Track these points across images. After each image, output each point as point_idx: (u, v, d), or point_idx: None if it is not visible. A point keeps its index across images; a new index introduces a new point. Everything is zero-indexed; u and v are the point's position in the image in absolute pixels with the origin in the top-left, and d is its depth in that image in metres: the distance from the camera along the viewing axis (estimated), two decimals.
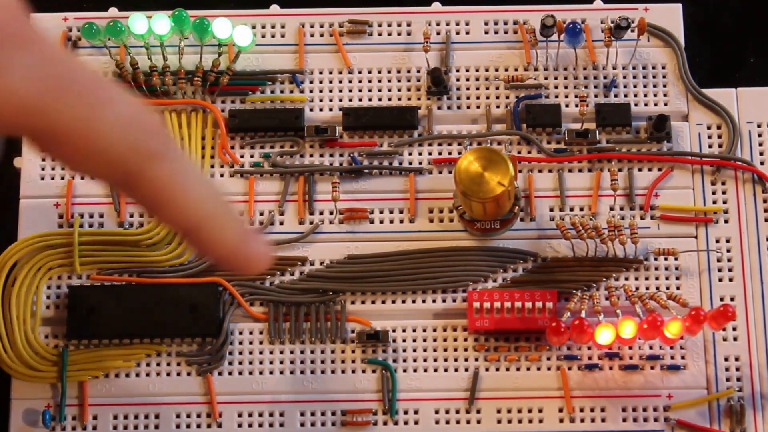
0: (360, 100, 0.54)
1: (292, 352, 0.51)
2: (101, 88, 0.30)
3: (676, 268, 0.52)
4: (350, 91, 0.54)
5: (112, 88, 0.30)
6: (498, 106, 0.54)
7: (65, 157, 0.30)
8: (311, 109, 0.54)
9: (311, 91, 0.54)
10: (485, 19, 0.55)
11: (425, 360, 0.51)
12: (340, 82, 0.55)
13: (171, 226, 0.37)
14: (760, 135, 0.53)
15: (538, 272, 0.52)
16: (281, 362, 0.51)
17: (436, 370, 0.51)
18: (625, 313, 0.50)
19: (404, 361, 0.51)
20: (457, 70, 0.54)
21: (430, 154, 0.53)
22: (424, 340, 0.51)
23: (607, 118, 0.53)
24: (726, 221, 0.52)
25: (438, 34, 0.55)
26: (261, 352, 0.51)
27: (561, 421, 0.50)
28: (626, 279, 0.51)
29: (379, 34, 0.55)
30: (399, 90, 0.54)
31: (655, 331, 0.48)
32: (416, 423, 0.50)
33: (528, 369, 0.51)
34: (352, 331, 0.51)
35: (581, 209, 0.53)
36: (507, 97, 0.54)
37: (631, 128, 0.53)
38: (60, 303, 0.51)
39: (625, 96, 0.54)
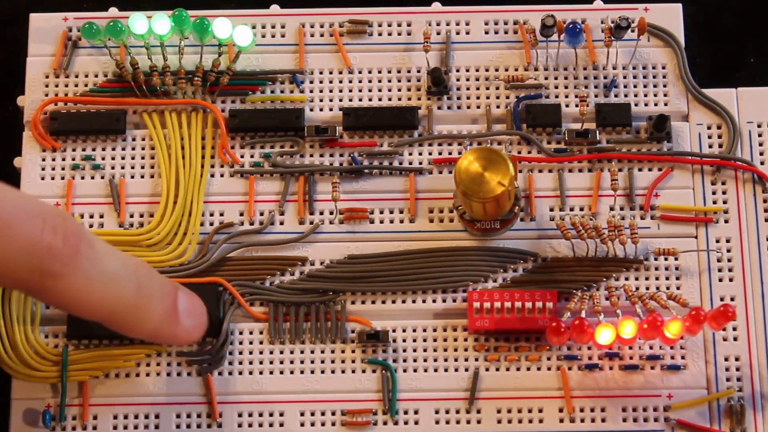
0: (360, 100, 0.54)
1: (292, 352, 0.51)
2: None
3: (676, 268, 0.52)
4: (350, 91, 0.54)
5: (11, 211, 0.31)
6: (498, 106, 0.54)
7: None
8: (311, 109, 0.54)
9: (311, 91, 0.54)
10: (485, 19, 0.55)
11: (425, 360, 0.51)
12: (340, 82, 0.55)
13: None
14: (760, 135, 0.53)
15: (538, 272, 0.52)
16: (281, 362, 0.51)
17: (436, 370, 0.51)
18: (625, 313, 0.50)
19: (404, 361, 0.51)
20: (457, 70, 0.54)
21: (430, 154, 0.53)
22: (424, 340, 0.51)
23: (607, 118, 0.53)
24: (726, 221, 0.52)
25: (438, 34, 0.55)
26: (261, 352, 0.51)
27: (561, 421, 0.50)
28: (626, 279, 0.51)
29: (380, 34, 0.55)
30: (399, 90, 0.54)
31: (655, 331, 0.48)
32: (416, 423, 0.50)
33: (528, 369, 0.51)
34: (352, 331, 0.51)
35: (581, 209, 0.53)
36: (507, 97, 0.54)
37: (631, 128, 0.53)
38: None
39: (625, 96, 0.54)
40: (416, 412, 0.50)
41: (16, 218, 0.31)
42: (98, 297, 0.34)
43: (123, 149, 0.54)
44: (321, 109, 0.54)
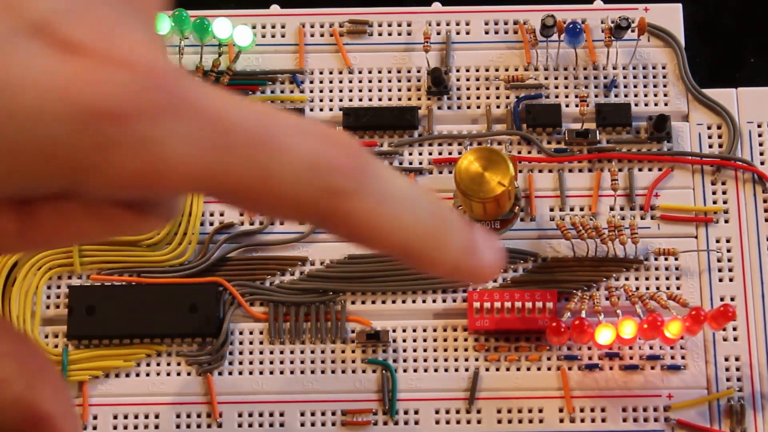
0: (360, 100, 0.54)
1: (292, 352, 0.51)
2: (273, 135, 0.28)
3: (677, 268, 0.51)
4: (350, 91, 0.54)
5: (287, 130, 0.28)
6: (498, 106, 0.54)
7: (248, 209, 0.29)
8: (311, 109, 0.54)
9: (311, 91, 0.54)
10: (485, 19, 0.55)
11: (425, 360, 0.51)
12: (340, 82, 0.55)
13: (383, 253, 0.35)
14: (760, 135, 0.53)
15: (538, 272, 0.52)
16: (281, 362, 0.51)
17: (436, 370, 0.51)
18: (626, 313, 0.50)
19: (404, 361, 0.51)
20: (458, 70, 0.54)
21: (430, 154, 0.53)
22: (425, 340, 0.51)
23: (608, 118, 0.53)
24: (726, 221, 0.52)
25: (438, 34, 0.55)
26: (261, 352, 0.51)
27: (561, 421, 0.50)
28: (626, 279, 0.51)
29: (380, 34, 0.55)
30: (399, 90, 0.54)
31: (655, 331, 0.48)
32: (416, 423, 0.50)
33: (528, 369, 0.51)
34: (352, 331, 0.51)
35: (581, 209, 0.53)
36: (507, 97, 0.54)
37: (631, 128, 0.53)
38: (60, 303, 0.51)
39: (626, 96, 0.54)
40: (416, 412, 0.50)
41: (296, 136, 0.28)
42: (394, 219, 0.30)
43: None
44: (321, 109, 0.54)
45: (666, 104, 0.54)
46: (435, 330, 0.51)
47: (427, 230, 0.31)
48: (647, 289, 0.51)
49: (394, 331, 0.51)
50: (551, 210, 0.53)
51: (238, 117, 0.27)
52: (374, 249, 0.31)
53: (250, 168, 0.27)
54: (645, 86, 0.54)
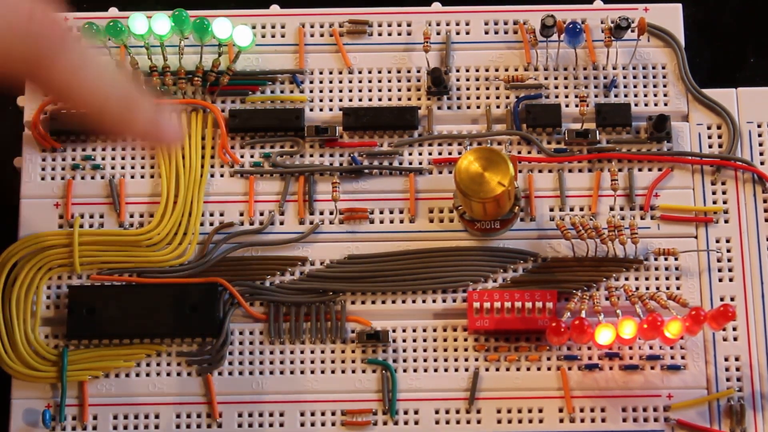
0: (360, 100, 0.54)
1: (292, 352, 0.51)
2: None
3: (676, 268, 0.52)
4: (350, 91, 0.54)
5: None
6: (498, 106, 0.54)
7: None
8: (311, 109, 0.54)
9: (311, 91, 0.54)
10: (485, 19, 0.55)
11: (425, 360, 0.51)
12: (340, 82, 0.55)
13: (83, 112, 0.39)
14: (760, 135, 0.53)
15: (538, 272, 0.52)
16: (281, 362, 0.51)
17: (436, 370, 0.51)
18: (625, 313, 0.50)
19: (404, 361, 0.51)
20: (457, 70, 0.54)
21: (430, 154, 0.53)
22: (424, 340, 0.51)
23: (607, 118, 0.53)
24: (726, 221, 0.52)
25: (438, 34, 0.55)
26: (261, 352, 0.51)
27: (561, 421, 0.50)
28: (626, 279, 0.51)
29: (379, 34, 0.55)
30: (399, 90, 0.54)
31: (655, 331, 0.48)
32: (416, 423, 0.50)
33: (528, 369, 0.51)
34: (352, 331, 0.51)
35: (581, 209, 0.53)
36: (507, 97, 0.54)
37: (631, 128, 0.53)
38: (60, 303, 0.52)
39: (625, 96, 0.54)
40: (416, 412, 0.50)
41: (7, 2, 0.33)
42: (92, 79, 0.35)
43: (123, 149, 0.54)
44: (321, 109, 0.54)
45: (666, 104, 0.54)
46: (435, 330, 0.51)
47: (122, 92, 0.36)
48: (647, 289, 0.51)
49: (394, 331, 0.51)
50: (551, 210, 0.53)
51: None
52: (73, 107, 0.38)
53: None
54: (645, 86, 0.54)
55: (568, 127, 0.53)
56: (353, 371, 0.51)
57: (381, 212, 0.53)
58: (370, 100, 0.54)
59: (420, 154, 0.53)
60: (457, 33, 0.55)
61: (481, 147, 0.49)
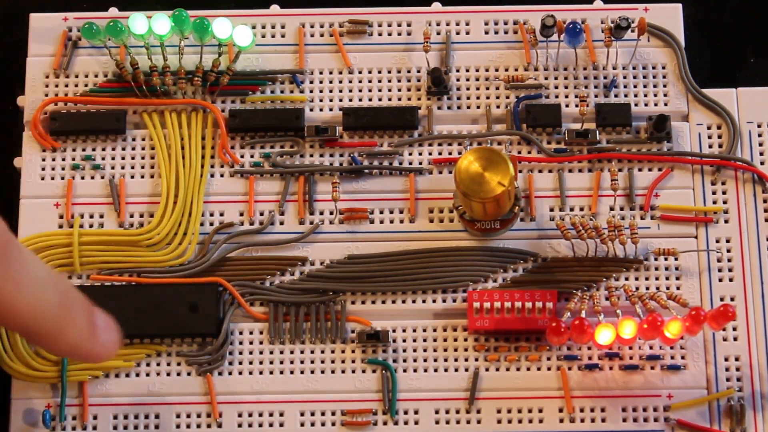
0: (360, 100, 0.54)
1: (292, 352, 0.51)
2: None
3: (676, 268, 0.52)
4: (350, 91, 0.54)
5: None
6: (498, 106, 0.54)
7: None
8: (311, 109, 0.54)
9: (311, 91, 0.54)
10: (485, 19, 0.55)
11: (425, 360, 0.51)
12: (340, 82, 0.55)
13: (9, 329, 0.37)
14: (760, 135, 0.53)
15: (538, 272, 0.52)
16: (281, 362, 0.51)
17: (436, 370, 0.51)
18: (625, 313, 0.50)
19: (404, 361, 0.51)
20: (457, 70, 0.54)
21: (430, 154, 0.53)
22: (424, 340, 0.51)
23: (608, 118, 0.53)
24: (726, 221, 0.52)
25: (438, 34, 0.55)
26: (261, 352, 0.51)
27: (561, 421, 0.50)
28: (626, 279, 0.51)
29: (380, 34, 0.55)
30: (399, 90, 0.54)
31: (655, 331, 0.48)
32: (416, 423, 0.50)
33: (528, 369, 0.51)
34: (352, 331, 0.51)
35: (581, 209, 0.53)
36: (507, 97, 0.54)
37: (631, 128, 0.53)
38: None
39: (626, 96, 0.54)
40: (416, 412, 0.50)
41: None
42: (24, 302, 0.33)
43: (123, 149, 0.54)
44: (321, 109, 0.54)
45: (666, 104, 0.54)
46: (435, 330, 0.51)
47: (52, 313, 0.33)
48: (647, 289, 0.51)
49: (394, 331, 0.51)
50: (551, 210, 0.53)
51: None
52: (5, 325, 0.33)
53: None
54: (645, 86, 0.54)
55: (568, 127, 0.53)
56: (353, 371, 0.51)
57: (381, 212, 0.53)
58: (370, 100, 0.54)
59: (420, 154, 0.53)
60: (457, 33, 0.55)
61: (481, 147, 0.49)
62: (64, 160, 0.53)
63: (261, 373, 0.51)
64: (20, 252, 0.32)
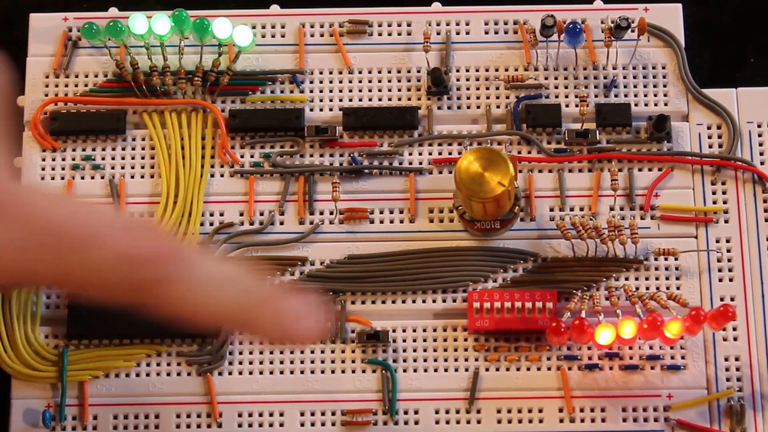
0: (360, 100, 0.54)
1: (292, 352, 0.51)
2: (89, 233, 0.31)
3: (676, 268, 0.52)
4: (350, 91, 0.54)
5: (103, 227, 0.32)
6: (498, 106, 0.54)
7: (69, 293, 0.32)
8: (311, 109, 0.54)
9: (311, 91, 0.54)
10: (485, 19, 0.55)
11: (425, 360, 0.51)
12: (340, 82, 0.55)
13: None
14: (760, 135, 0.53)
15: (538, 272, 0.52)
16: (281, 362, 0.51)
17: (436, 370, 0.51)
18: (625, 313, 0.50)
19: (404, 361, 0.51)
20: (457, 70, 0.54)
21: (430, 154, 0.53)
22: (424, 340, 0.51)
23: (608, 118, 0.53)
24: (726, 221, 0.52)
25: (438, 34, 0.55)
26: (261, 352, 0.51)
27: (561, 421, 0.50)
28: (626, 279, 0.51)
29: (380, 34, 0.55)
30: (399, 90, 0.54)
31: (655, 331, 0.48)
32: (416, 423, 0.50)
33: (528, 369, 0.51)
34: (352, 331, 0.51)
35: (581, 209, 0.53)
36: (507, 97, 0.54)
37: (631, 128, 0.53)
38: (60, 303, 0.51)
39: (626, 96, 0.54)
40: (416, 412, 0.50)
41: (108, 231, 0.32)
42: (202, 303, 0.34)
43: (123, 149, 0.54)
44: (321, 109, 0.54)
45: (666, 104, 0.54)
46: (435, 330, 0.51)
47: (236, 310, 0.35)
48: (647, 289, 0.51)
49: (394, 331, 0.51)
50: (551, 210, 0.53)
51: (60, 215, 0.31)
52: (197, 326, 0.34)
53: (60, 263, 0.30)
54: (645, 86, 0.54)
55: (568, 127, 0.53)
56: (353, 371, 0.51)
57: (381, 212, 0.53)
58: (370, 100, 0.54)
59: (420, 154, 0.53)
60: (457, 33, 0.55)
61: (481, 147, 0.49)
62: (64, 160, 0.53)
63: (261, 373, 0.51)
64: (190, 254, 0.34)
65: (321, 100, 0.54)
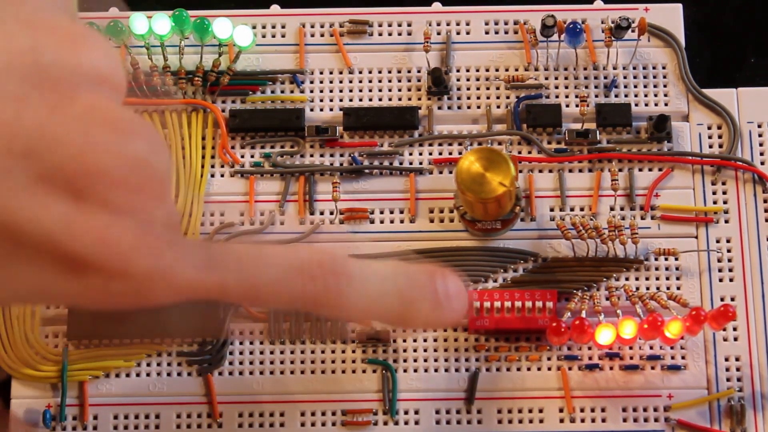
0: (360, 100, 0.54)
1: (292, 352, 0.51)
2: (255, 252, 0.33)
3: (677, 268, 0.52)
4: (350, 91, 0.54)
5: (265, 247, 0.34)
6: (498, 106, 0.54)
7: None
8: (311, 109, 0.54)
9: (311, 91, 0.54)
10: (485, 19, 0.55)
11: (425, 360, 0.51)
12: (341, 82, 0.55)
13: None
14: (760, 135, 0.53)
15: (538, 272, 0.52)
16: (281, 362, 0.51)
17: (436, 370, 0.51)
18: (626, 313, 0.50)
19: (404, 361, 0.51)
20: (458, 70, 0.54)
21: (430, 154, 0.53)
22: (425, 340, 0.51)
23: (608, 118, 0.53)
24: (726, 221, 0.52)
25: (438, 34, 0.55)
26: (261, 352, 0.51)
27: (561, 421, 0.50)
28: (626, 279, 0.51)
29: (380, 34, 0.55)
30: (399, 90, 0.54)
31: (655, 331, 0.48)
32: (416, 423, 0.50)
33: (528, 369, 0.51)
34: (352, 331, 0.51)
35: (581, 209, 0.53)
36: (507, 97, 0.54)
37: (631, 128, 0.53)
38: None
39: (626, 96, 0.54)
40: (416, 412, 0.50)
41: (272, 252, 0.34)
42: (362, 310, 0.36)
43: None
44: (321, 109, 0.54)
45: (666, 104, 0.54)
46: (435, 330, 0.51)
47: (396, 314, 0.37)
48: (647, 289, 0.51)
49: (394, 331, 0.51)
50: (551, 210, 0.53)
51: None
52: (362, 324, 0.41)
53: (231, 280, 0.33)
54: (645, 86, 0.54)
55: (568, 127, 0.53)
56: (353, 371, 0.51)
57: (381, 212, 0.53)
58: (370, 100, 0.54)
59: (420, 154, 0.53)
60: (458, 33, 0.55)
61: (482, 147, 0.49)
62: None
63: (261, 373, 0.51)
64: (351, 279, 0.35)
65: (321, 100, 0.54)
